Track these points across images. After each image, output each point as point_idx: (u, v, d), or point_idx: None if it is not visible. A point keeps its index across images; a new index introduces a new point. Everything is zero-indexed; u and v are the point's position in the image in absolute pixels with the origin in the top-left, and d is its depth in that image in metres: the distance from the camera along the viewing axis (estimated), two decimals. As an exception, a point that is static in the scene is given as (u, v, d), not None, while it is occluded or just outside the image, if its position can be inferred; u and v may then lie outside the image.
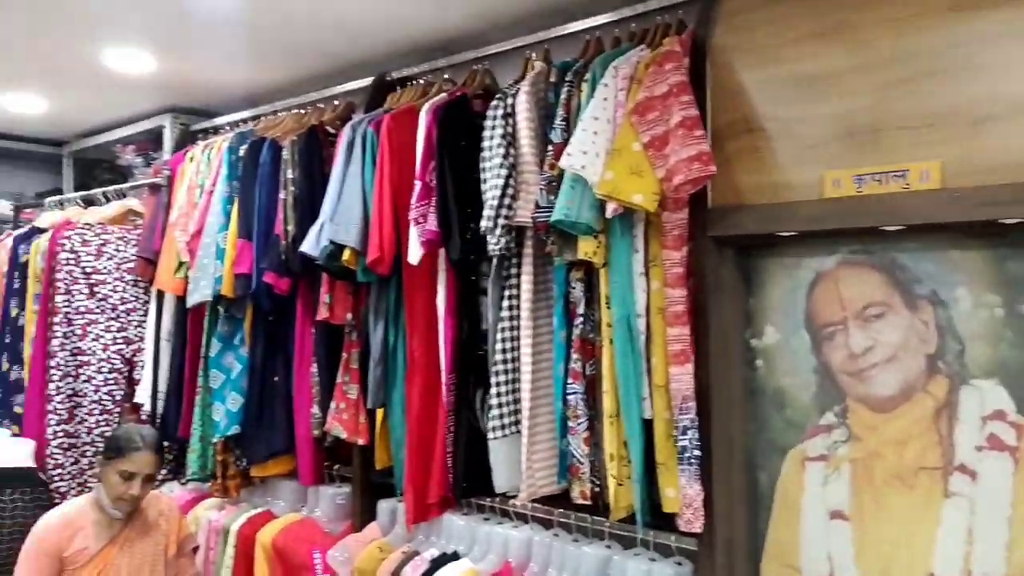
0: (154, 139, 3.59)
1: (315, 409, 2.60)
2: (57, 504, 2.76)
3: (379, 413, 2.47)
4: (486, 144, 2.14)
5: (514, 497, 2.15)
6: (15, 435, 3.15)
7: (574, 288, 2.04)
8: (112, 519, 2.46)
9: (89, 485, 3.13)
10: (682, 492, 1.79)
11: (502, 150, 2.09)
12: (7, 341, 3.34)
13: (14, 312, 3.34)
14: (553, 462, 2.12)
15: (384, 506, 2.54)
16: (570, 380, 2.01)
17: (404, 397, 2.36)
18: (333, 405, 2.52)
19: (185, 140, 3.34)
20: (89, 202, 3.56)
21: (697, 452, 1.78)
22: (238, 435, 2.76)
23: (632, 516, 1.92)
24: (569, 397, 2.00)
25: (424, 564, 2.24)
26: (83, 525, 2.44)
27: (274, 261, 2.60)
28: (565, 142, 1.98)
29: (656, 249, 1.85)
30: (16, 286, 3.35)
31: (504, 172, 2.08)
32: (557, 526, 2.18)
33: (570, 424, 2.01)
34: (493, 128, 2.13)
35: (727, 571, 1.84)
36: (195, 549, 2.71)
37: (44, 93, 3.35)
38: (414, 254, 2.22)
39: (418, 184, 2.24)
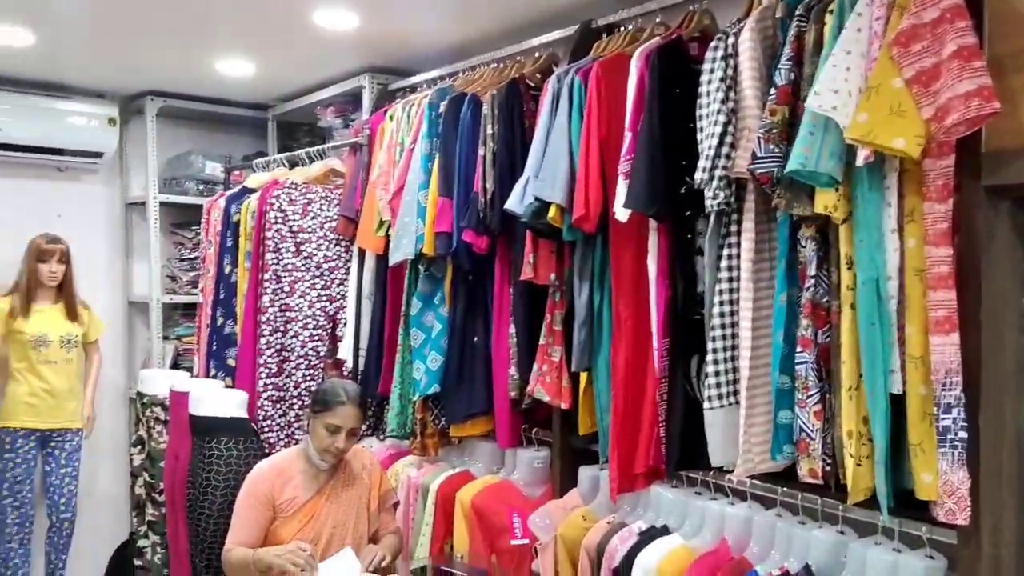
0: (352, 101, 3.64)
1: (513, 371, 2.55)
2: (268, 454, 2.88)
3: (583, 377, 2.37)
4: (703, 89, 1.98)
5: (730, 472, 1.99)
6: (228, 386, 3.32)
7: (804, 247, 1.84)
8: (319, 470, 2.52)
9: (296, 437, 3.25)
10: (943, 478, 1.57)
11: (720, 95, 1.92)
12: (221, 297, 3.51)
13: (227, 269, 3.50)
14: (769, 436, 1.95)
15: (586, 473, 2.46)
16: (799, 348, 1.83)
17: (610, 361, 2.25)
18: (536, 367, 2.45)
19: (383, 100, 3.35)
20: (293, 163, 3.67)
21: (963, 433, 1.55)
22: (437, 394, 2.76)
23: (871, 500, 1.72)
24: (798, 367, 1.82)
25: (632, 536, 2.14)
26: (292, 475, 2.52)
27: (473, 219, 2.56)
28: (791, 84, 1.79)
29: (914, 202, 1.62)
30: (229, 244, 3.51)
31: (722, 119, 1.91)
32: (780, 506, 2.01)
33: (798, 396, 1.83)
34: (712, 71, 1.96)
35: (993, 570, 1.61)
36: (395, 504, 2.75)
37: (253, 57, 3.46)
38: (621, 210, 2.09)
39: (628, 135, 2.10)
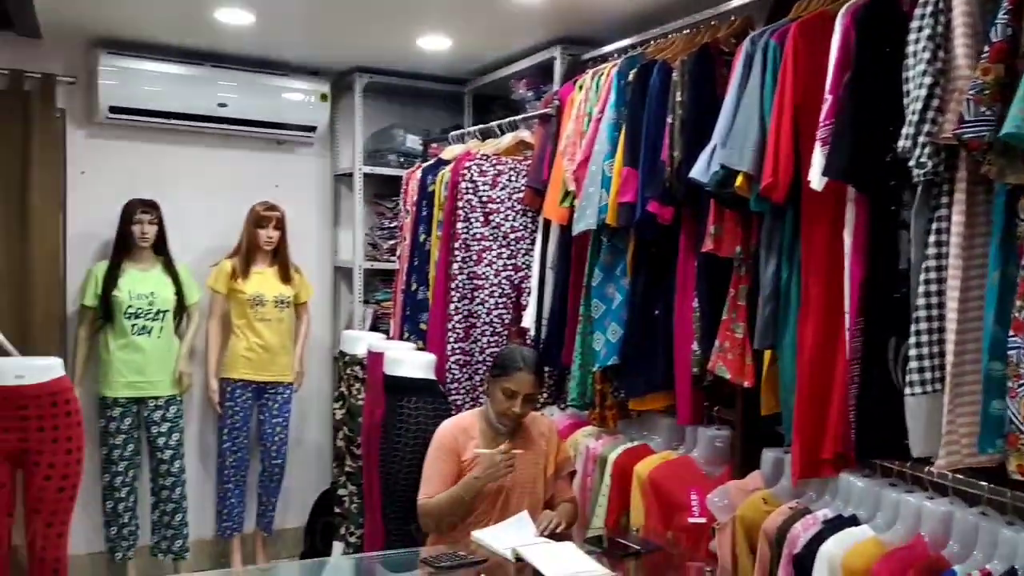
0: (544, 73, 3.67)
1: (695, 346, 2.48)
2: (453, 415, 2.99)
3: (767, 355, 2.27)
4: (910, 49, 1.83)
5: (930, 464, 1.84)
6: (420, 349, 3.47)
7: (1022, 220, 1.66)
8: (498, 433, 2.59)
9: (481, 400, 3.35)
10: None
11: (928, 54, 1.77)
12: (416, 264, 3.67)
13: (422, 238, 3.65)
14: (977, 428, 1.78)
15: (769, 455, 2.36)
16: (1012, 332, 1.65)
17: (796, 340, 2.14)
18: (717, 343, 2.38)
19: (574, 70, 3.35)
20: (486, 135, 3.76)
21: None
22: (617, 366, 2.74)
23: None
24: (1011, 352, 1.65)
25: (816, 524, 2.03)
26: (474, 435, 2.61)
27: (658, 189, 2.51)
28: (1008, 40, 1.62)
29: None
30: (424, 214, 3.65)
31: (928, 81, 1.76)
32: (986, 503, 1.84)
33: (1010, 384, 1.65)
34: (919, 29, 1.81)
35: None
36: (572, 474, 2.77)
37: (450, 32, 3.57)
38: (816, 179, 1.97)
39: (828, 99, 1.97)
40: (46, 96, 3.82)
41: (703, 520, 2.43)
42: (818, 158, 1.96)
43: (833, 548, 1.92)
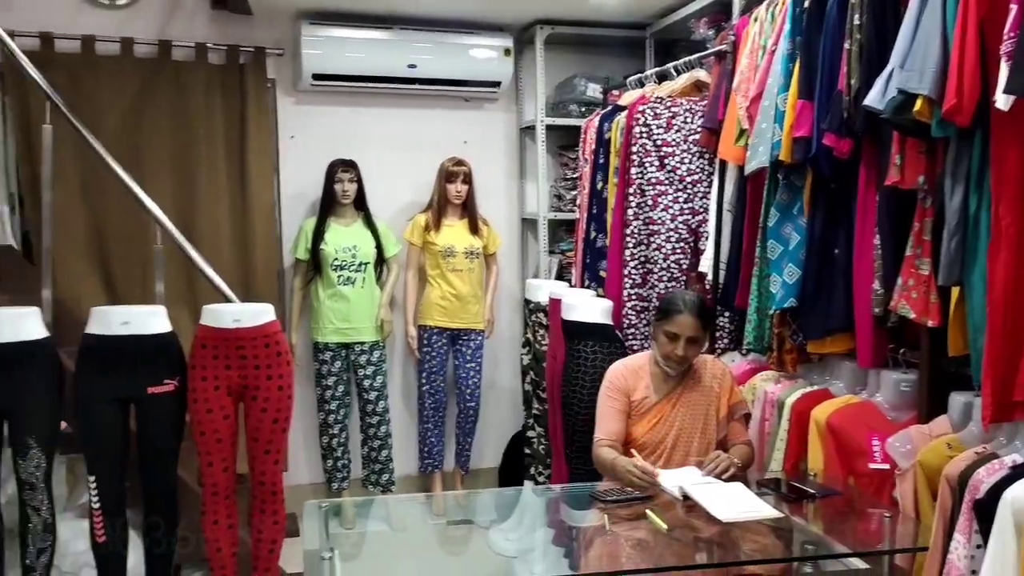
0: (725, 9, 3.55)
1: (876, 285, 2.35)
2: (627, 358, 3.03)
3: (954, 292, 2.12)
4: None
5: None
6: (599, 296, 3.52)
7: None
8: (667, 375, 2.61)
9: (658, 345, 3.36)
10: None
11: None
12: (594, 212, 3.71)
13: (599, 186, 3.68)
14: None
15: (958, 399, 2.21)
16: None
17: (986, 274, 1.98)
18: (900, 281, 2.25)
19: (752, 3, 3.21)
20: (662, 77, 3.70)
21: None
22: (794, 309, 2.66)
23: None
24: None
25: (1003, 469, 1.89)
26: (643, 376, 2.64)
27: (835, 121, 2.38)
28: None
29: None
30: (601, 161, 3.67)
31: None
32: None
33: None
34: None
35: None
36: (747, 417, 2.73)
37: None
38: (1002, 98, 1.80)
39: (1014, 8, 1.79)
40: (258, 68, 4.19)
41: (885, 466, 2.32)
42: (1004, 75, 1.79)
43: (1018, 493, 1.79)
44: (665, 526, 2.09)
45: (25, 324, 2.76)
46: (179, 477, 3.02)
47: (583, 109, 4.41)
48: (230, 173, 4.15)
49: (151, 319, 2.85)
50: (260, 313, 2.91)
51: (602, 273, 3.64)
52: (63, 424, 2.93)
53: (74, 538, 3.12)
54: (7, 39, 3.27)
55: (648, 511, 2.18)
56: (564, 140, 4.56)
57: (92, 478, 2.82)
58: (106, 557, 2.87)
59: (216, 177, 4.11)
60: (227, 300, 3.21)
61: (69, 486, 3.47)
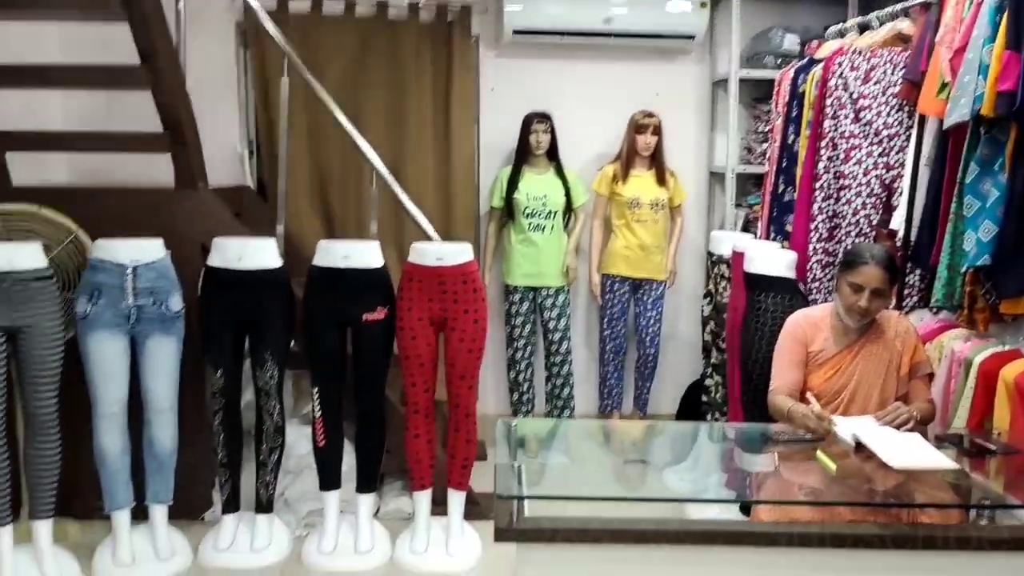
0: (935, -44, 3.40)
1: (1080, 245, 2.28)
2: (810, 312, 3.06)
3: None
4: None
5: None
6: (783, 248, 3.55)
7: None
8: (847, 328, 2.64)
9: (843, 300, 3.35)
10: None
11: None
12: (783, 165, 3.72)
13: (791, 139, 3.68)
14: None
15: None
16: None
17: None
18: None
19: (964, -50, 3.08)
20: (863, 28, 3.61)
21: None
22: (988, 267, 2.61)
23: None
24: None
25: None
26: (823, 328, 2.68)
27: (1045, 74, 2.30)
28: None
29: None
30: (794, 114, 3.66)
31: None
32: None
33: None
34: None
35: None
36: (930, 376, 2.71)
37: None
38: None
39: None
40: (464, 25, 4.45)
41: (1076, 430, 2.28)
42: None
43: None
44: (834, 467, 2.17)
45: (265, 254, 3.19)
46: (386, 396, 3.39)
47: (779, 61, 4.37)
48: (435, 124, 4.46)
49: (368, 254, 3.20)
50: (460, 252, 3.19)
51: (788, 227, 3.66)
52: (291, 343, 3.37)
53: (298, 441, 3.58)
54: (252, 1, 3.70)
55: (819, 452, 2.26)
56: (757, 93, 4.54)
57: (315, 390, 3.24)
58: (324, 459, 3.29)
59: (423, 128, 4.44)
60: (430, 240, 3.52)
61: (295, 398, 3.97)
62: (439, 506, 3.36)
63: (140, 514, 3.20)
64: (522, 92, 4.55)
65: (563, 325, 4.45)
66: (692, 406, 4.47)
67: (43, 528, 3.03)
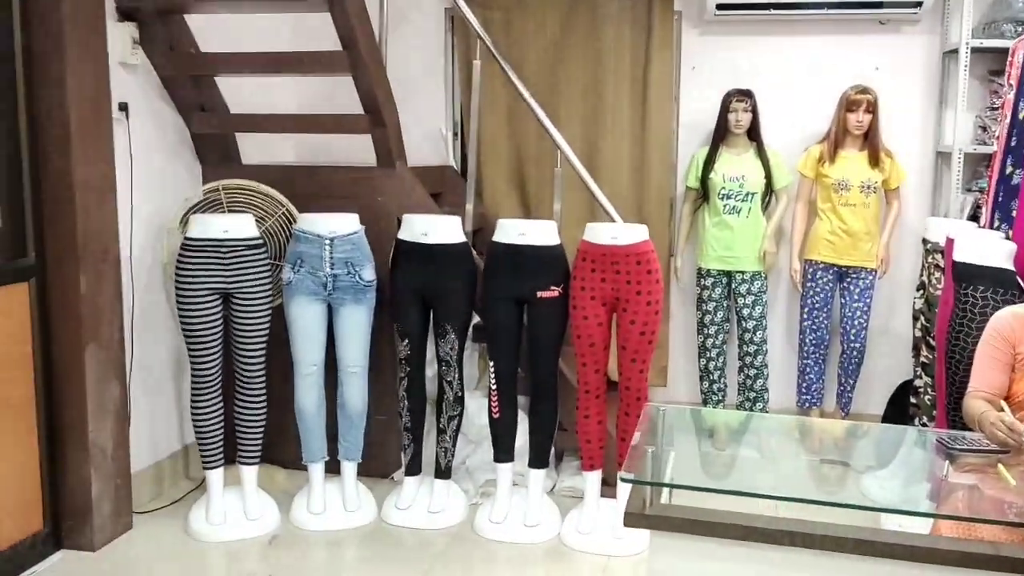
0: None
1: None
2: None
3: None
4: None
5: None
6: (1006, 238, 3.16)
7: None
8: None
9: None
10: None
11: None
12: (1012, 144, 3.30)
13: (1022, 114, 3.25)
14: None
15: None
16: None
17: None
18: None
19: None
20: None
21: None
22: None
23: None
24: None
25: None
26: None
27: None
28: None
29: None
30: (1027, 87, 3.23)
31: None
32: None
33: None
34: None
35: None
36: None
37: None
38: None
39: None
40: (666, 2, 4.35)
41: None
42: None
43: None
44: (1014, 482, 1.92)
45: (449, 230, 3.32)
46: (561, 374, 3.43)
47: (1019, 29, 3.87)
48: (633, 103, 4.40)
49: (544, 232, 3.24)
50: (635, 232, 3.15)
51: (1015, 213, 3.24)
52: (476, 317, 3.49)
53: (479, 412, 3.71)
54: (451, -19, 3.84)
55: (1000, 464, 2.01)
56: (995, 65, 4.05)
57: (491, 363, 3.34)
58: (498, 431, 3.39)
59: (620, 108, 4.40)
60: (612, 220, 3.50)
61: (480, 370, 4.12)
62: (612, 488, 3.36)
63: (335, 468, 3.48)
64: (724, 70, 4.38)
65: (758, 313, 4.25)
66: (901, 409, 4.12)
67: (248, 473, 3.37)
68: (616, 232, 3.14)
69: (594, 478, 3.33)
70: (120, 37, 3.24)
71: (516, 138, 4.50)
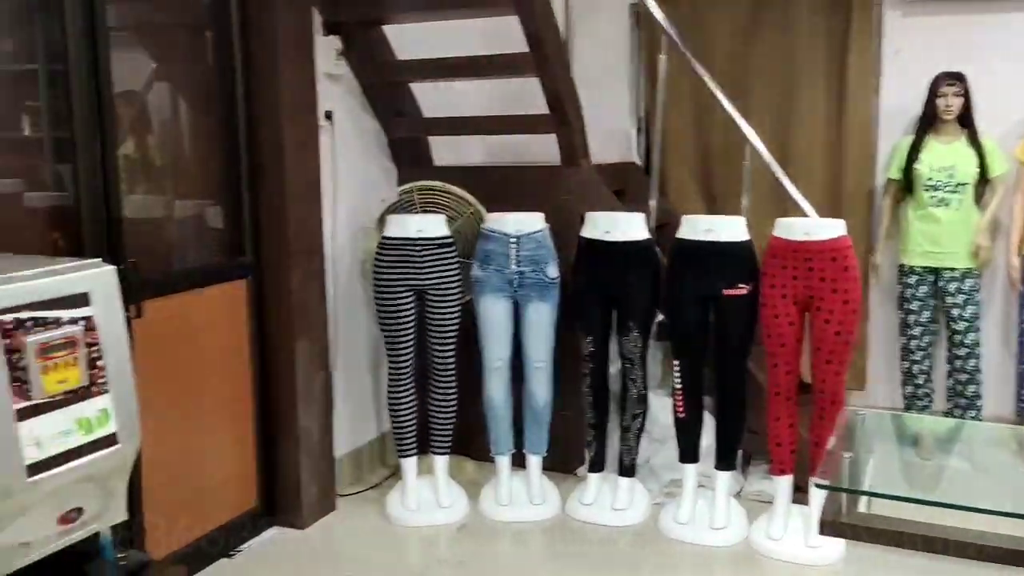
0: None
1: None
2: None
3: None
4: None
5: None
6: None
7: None
8: None
9: None
10: None
11: None
12: None
13: None
14: None
15: None
16: None
17: None
18: None
19: None
20: None
21: None
22: None
23: None
24: None
25: None
26: None
27: None
28: None
29: None
30: None
31: None
32: None
33: None
34: None
35: None
36: None
37: None
38: None
39: None
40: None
41: None
42: None
43: None
44: None
45: (633, 227, 3.31)
46: (751, 374, 3.33)
47: None
48: (828, 93, 4.21)
49: (731, 228, 3.16)
50: (830, 227, 3.01)
51: None
52: (660, 315, 3.46)
53: (663, 411, 3.67)
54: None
55: None
56: None
57: (676, 362, 3.29)
58: (683, 432, 3.34)
59: (815, 96, 4.22)
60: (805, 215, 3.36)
61: (664, 368, 4.07)
62: (803, 494, 3.22)
63: (520, 461, 3.56)
64: (931, 52, 4.07)
65: (969, 313, 3.93)
66: None
67: (439, 462, 3.52)
68: (809, 227, 3.01)
69: (785, 483, 3.21)
70: (326, 49, 3.46)
71: (702, 133, 4.42)
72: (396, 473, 3.66)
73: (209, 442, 3.09)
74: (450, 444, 3.53)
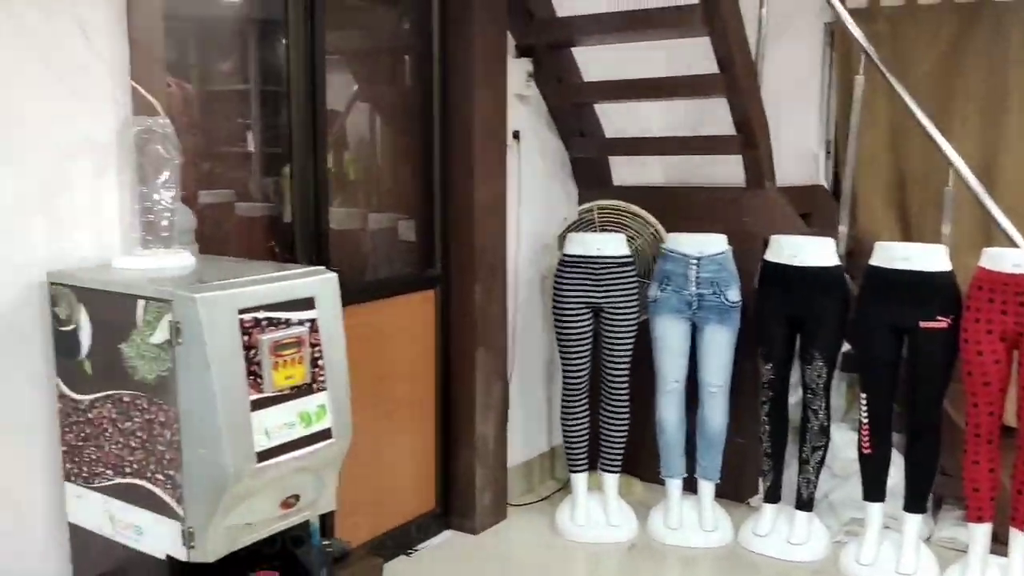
0: None
1: None
2: None
3: None
4: None
5: None
6: None
7: None
8: None
9: None
10: None
11: None
12: None
13: None
14: None
15: None
16: None
17: None
18: None
19: None
20: None
21: None
22: None
23: None
24: None
25: None
26: None
27: None
28: None
29: None
30: None
31: None
32: None
33: None
34: None
35: None
36: None
37: None
38: None
39: None
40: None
41: None
42: None
43: None
44: None
45: (821, 252, 3.21)
46: (945, 412, 3.13)
47: None
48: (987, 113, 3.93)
49: (930, 257, 3.00)
50: (1044, 260, 2.79)
51: None
52: (845, 345, 3.32)
53: (845, 446, 3.51)
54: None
55: None
56: None
57: (864, 395, 3.15)
58: (869, 468, 3.18)
59: (1026, 119, 3.94)
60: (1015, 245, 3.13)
61: (847, 401, 3.90)
62: (1002, 545, 3.00)
63: (689, 486, 3.51)
64: None
65: None
66: None
67: (610, 480, 3.53)
68: (1021, 259, 2.81)
69: (982, 531, 3.00)
70: (518, 71, 3.58)
71: (898, 156, 4.20)
72: (565, 487, 3.70)
73: (397, 443, 3.25)
74: (621, 463, 3.53)
